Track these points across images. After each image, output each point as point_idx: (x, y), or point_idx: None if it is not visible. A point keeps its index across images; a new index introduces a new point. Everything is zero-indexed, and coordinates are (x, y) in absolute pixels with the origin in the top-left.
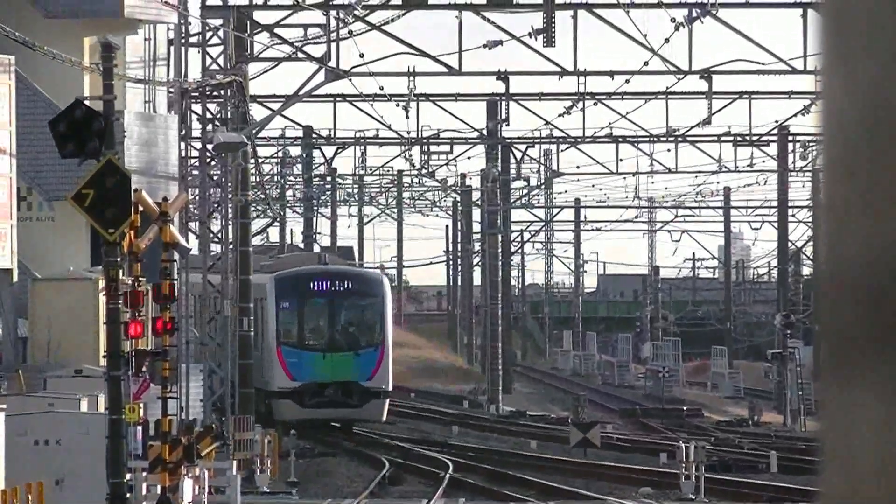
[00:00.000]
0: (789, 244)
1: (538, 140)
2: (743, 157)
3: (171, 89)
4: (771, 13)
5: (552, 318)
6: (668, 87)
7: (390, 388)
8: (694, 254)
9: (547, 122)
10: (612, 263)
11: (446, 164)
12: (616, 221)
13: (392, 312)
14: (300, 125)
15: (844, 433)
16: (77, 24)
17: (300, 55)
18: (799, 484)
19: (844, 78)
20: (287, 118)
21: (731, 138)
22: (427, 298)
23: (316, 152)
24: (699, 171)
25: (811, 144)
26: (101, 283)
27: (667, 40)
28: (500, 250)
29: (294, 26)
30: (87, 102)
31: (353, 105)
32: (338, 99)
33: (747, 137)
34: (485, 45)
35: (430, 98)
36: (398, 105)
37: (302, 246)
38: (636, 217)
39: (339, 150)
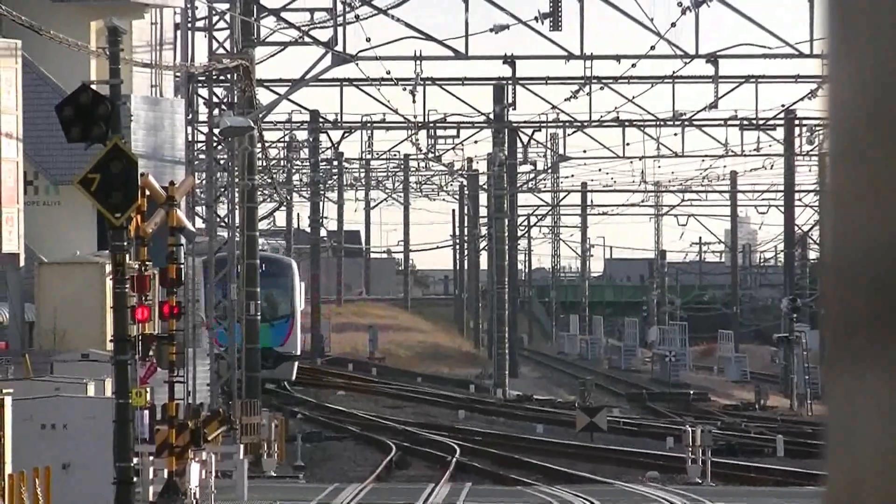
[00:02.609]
0: (796, 228)
1: (545, 124)
2: (749, 141)
3: (178, 73)
4: None
5: (559, 303)
6: (674, 72)
7: (299, 353)
8: (700, 238)
9: (553, 107)
10: (619, 247)
11: (453, 149)
12: (623, 205)
13: (300, 290)
14: (307, 109)
15: (849, 418)
16: (83, 8)
17: (307, 39)
18: (805, 468)
19: (850, 64)
20: (294, 102)
21: (738, 122)
22: (434, 283)
23: (322, 136)
24: (706, 156)
25: (817, 128)
26: (108, 268)
27: (673, 24)
28: (506, 234)
29: (301, 10)
30: (93, 87)
31: (360, 89)
32: (344, 83)
33: (754, 121)
34: (491, 30)
35: (437, 82)
36: (405, 89)
37: (308, 230)
38: (643, 201)
39: (346, 135)
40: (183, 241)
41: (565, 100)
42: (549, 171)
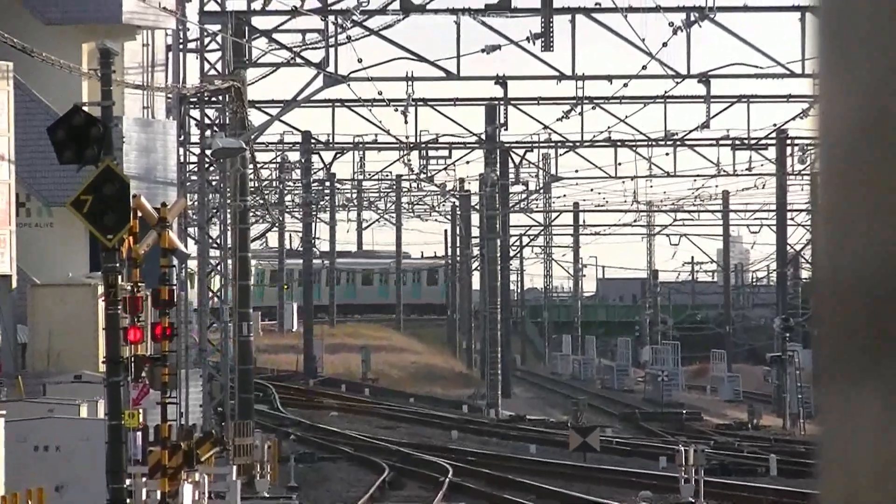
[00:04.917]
0: (788, 247)
1: (537, 144)
2: (741, 160)
3: (170, 95)
4: (769, 17)
5: (551, 323)
6: (666, 91)
7: None
8: (693, 257)
9: (545, 127)
10: (611, 267)
11: (445, 169)
12: (615, 225)
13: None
14: (299, 130)
15: (842, 437)
16: (75, 31)
17: (298, 60)
18: (798, 487)
19: (841, 82)
20: (285, 123)
21: (730, 142)
22: None
23: (315, 157)
24: (698, 175)
25: (809, 148)
26: (101, 289)
27: (665, 44)
28: (498, 255)
29: (292, 31)
30: (85, 108)
31: (352, 110)
32: (336, 104)
33: (746, 141)
34: (483, 50)
35: (429, 103)
36: (397, 110)
37: (301, 251)
38: (635, 221)
39: (338, 155)
40: (175, 262)
41: (557, 120)
42: (541, 191)
